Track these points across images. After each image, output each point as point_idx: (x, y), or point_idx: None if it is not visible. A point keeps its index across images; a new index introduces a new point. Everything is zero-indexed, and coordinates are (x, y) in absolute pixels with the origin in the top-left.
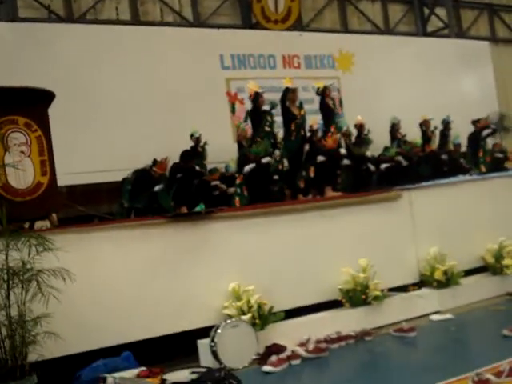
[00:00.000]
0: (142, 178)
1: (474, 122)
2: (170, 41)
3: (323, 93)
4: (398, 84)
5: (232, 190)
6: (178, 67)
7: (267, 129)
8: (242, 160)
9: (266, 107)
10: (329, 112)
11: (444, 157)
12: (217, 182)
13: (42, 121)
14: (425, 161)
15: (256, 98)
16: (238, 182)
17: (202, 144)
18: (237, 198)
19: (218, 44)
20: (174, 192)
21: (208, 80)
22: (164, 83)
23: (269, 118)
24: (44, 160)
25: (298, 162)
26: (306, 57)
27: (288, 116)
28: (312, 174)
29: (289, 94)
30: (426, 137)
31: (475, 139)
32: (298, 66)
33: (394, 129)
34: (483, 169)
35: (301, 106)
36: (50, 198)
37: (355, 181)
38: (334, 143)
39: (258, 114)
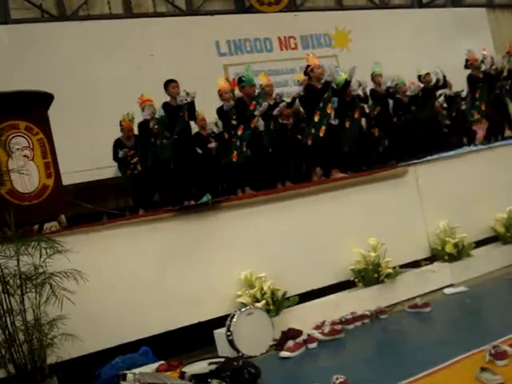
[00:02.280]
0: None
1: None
2: (164, 31)
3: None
4: (396, 58)
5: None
6: (175, 57)
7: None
8: None
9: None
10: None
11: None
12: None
13: (43, 123)
14: None
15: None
16: (239, 133)
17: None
18: (234, 153)
19: (213, 31)
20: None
21: (206, 68)
22: (161, 74)
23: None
24: (48, 162)
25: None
26: (302, 37)
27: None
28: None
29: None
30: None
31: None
32: (295, 46)
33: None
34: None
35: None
36: (56, 199)
37: None
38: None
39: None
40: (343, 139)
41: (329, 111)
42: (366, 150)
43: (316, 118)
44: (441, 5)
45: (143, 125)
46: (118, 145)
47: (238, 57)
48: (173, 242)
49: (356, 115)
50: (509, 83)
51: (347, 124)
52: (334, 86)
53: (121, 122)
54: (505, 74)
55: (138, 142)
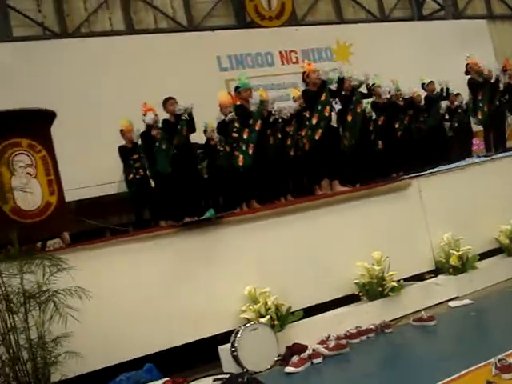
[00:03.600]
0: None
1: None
2: (166, 47)
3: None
4: (397, 70)
5: None
6: (176, 73)
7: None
8: None
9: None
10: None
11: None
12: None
13: (46, 140)
14: None
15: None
16: (244, 136)
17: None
18: (240, 157)
19: (215, 46)
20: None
21: (207, 83)
22: (163, 90)
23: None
24: (51, 179)
25: None
26: (303, 51)
27: None
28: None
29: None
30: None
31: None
32: (296, 60)
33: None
34: (480, 116)
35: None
36: (60, 216)
37: None
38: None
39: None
40: (345, 132)
41: (327, 114)
42: (366, 146)
43: (314, 121)
44: (441, 17)
45: (145, 133)
46: (122, 150)
47: (239, 71)
48: (176, 257)
49: (358, 109)
50: (507, 98)
51: (349, 118)
52: (332, 87)
53: (121, 130)
54: (501, 87)
55: (142, 150)
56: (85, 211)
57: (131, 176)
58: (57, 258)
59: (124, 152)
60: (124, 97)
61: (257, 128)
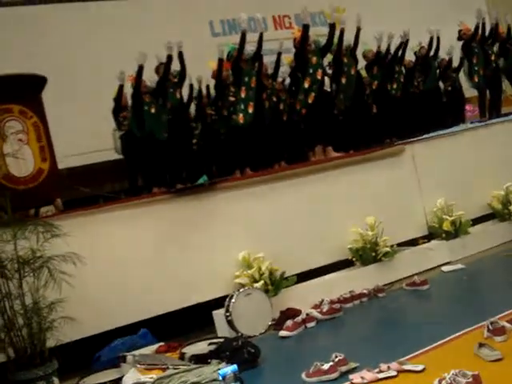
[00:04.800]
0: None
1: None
2: (157, 12)
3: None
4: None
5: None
6: (168, 38)
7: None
8: None
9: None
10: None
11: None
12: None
13: (37, 107)
14: None
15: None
16: (242, 95)
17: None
18: (240, 115)
19: (207, 11)
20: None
21: (200, 48)
22: (156, 56)
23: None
24: (43, 146)
25: None
26: (296, 16)
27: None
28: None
29: None
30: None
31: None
32: (290, 25)
33: None
34: (476, 79)
35: None
36: (52, 183)
37: None
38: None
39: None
40: (339, 95)
41: (319, 77)
42: (360, 110)
43: (306, 85)
44: None
45: (135, 94)
46: (114, 110)
47: (232, 37)
48: (170, 224)
49: (352, 71)
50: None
51: (343, 80)
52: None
53: (114, 98)
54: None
55: (131, 109)
56: (77, 179)
57: (120, 133)
58: (50, 225)
59: (115, 111)
60: (115, 63)
61: (253, 85)
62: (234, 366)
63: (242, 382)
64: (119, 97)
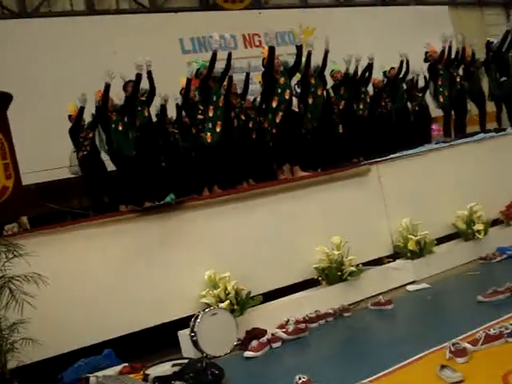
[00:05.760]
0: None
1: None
2: (127, 29)
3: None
4: (361, 52)
5: None
6: (138, 55)
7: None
8: None
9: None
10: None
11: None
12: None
13: (2, 124)
14: None
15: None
16: (210, 114)
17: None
18: (208, 134)
19: (177, 28)
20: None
21: (169, 66)
22: (124, 72)
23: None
24: (7, 163)
25: None
26: (266, 35)
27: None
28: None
29: None
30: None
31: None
32: (260, 44)
33: None
34: (441, 99)
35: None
36: (16, 200)
37: None
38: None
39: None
40: (307, 115)
41: (287, 97)
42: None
43: (274, 104)
44: (404, 3)
45: (98, 113)
46: (71, 131)
47: (202, 54)
48: (136, 242)
49: (319, 92)
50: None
51: (310, 100)
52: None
53: (69, 115)
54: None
55: (93, 123)
56: (45, 194)
57: (80, 154)
58: (13, 244)
59: (73, 132)
60: (84, 79)
61: (220, 104)
62: None
63: None
64: (79, 117)
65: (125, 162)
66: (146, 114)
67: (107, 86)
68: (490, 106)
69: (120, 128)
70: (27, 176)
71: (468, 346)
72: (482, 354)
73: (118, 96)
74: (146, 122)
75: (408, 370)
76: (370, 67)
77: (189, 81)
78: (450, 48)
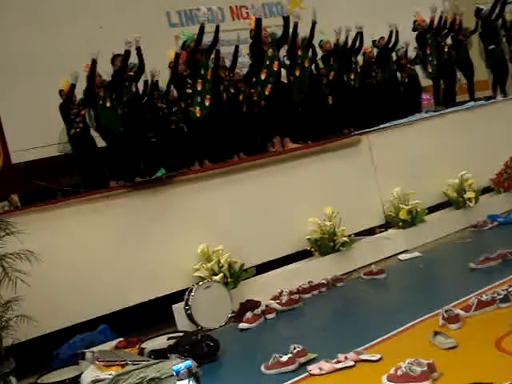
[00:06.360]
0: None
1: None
2: (113, 3)
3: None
4: (349, 23)
5: None
6: (124, 28)
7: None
8: None
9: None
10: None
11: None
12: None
13: None
14: None
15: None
16: (199, 88)
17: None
18: (197, 108)
19: (164, 1)
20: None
21: (156, 39)
22: (109, 46)
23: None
24: None
25: None
26: (253, 7)
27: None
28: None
29: None
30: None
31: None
32: (247, 16)
33: None
34: (430, 69)
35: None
36: (6, 179)
37: None
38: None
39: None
40: (293, 86)
41: (275, 69)
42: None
43: (263, 76)
44: None
45: (88, 90)
46: (62, 107)
47: (189, 27)
48: (128, 218)
49: (306, 64)
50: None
51: (297, 72)
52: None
53: (60, 90)
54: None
55: (83, 104)
56: (35, 172)
57: (72, 131)
58: (5, 222)
59: (64, 108)
60: (70, 54)
61: (209, 77)
62: (188, 362)
63: (196, 377)
64: (71, 93)
65: (114, 138)
66: (134, 89)
67: (94, 62)
68: (478, 75)
69: (108, 104)
70: (16, 154)
71: (461, 312)
72: (475, 320)
73: (106, 72)
74: (134, 97)
75: (401, 338)
76: (360, 37)
77: (177, 55)
78: (441, 18)
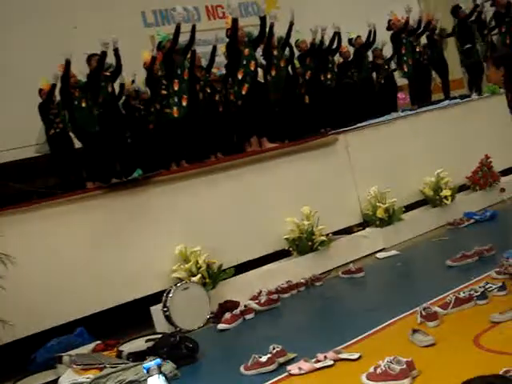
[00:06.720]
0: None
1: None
2: (87, 2)
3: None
4: (325, 24)
5: None
6: (99, 29)
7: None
8: None
9: None
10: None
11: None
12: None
13: None
14: None
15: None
16: (175, 88)
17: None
18: (174, 109)
19: (139, 1)
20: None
21: (131, 39)
22: (86, 48)
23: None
24: None
25: None
26: (229, 7)
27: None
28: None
29: None
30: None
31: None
32: (223, 16)
33: None
34: (405, 68)
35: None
36: None
37: None
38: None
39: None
40: (270, 86)
41: (252, 68)
42: (294, 101)
43: (239, 76)
44: None
45: (63, 90)
46: (41, 107)
47: (165, 27)
48: (105, 219)
49: (282, 64)
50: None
51: (273, 72)
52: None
53: (40, 89)
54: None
55: (61, 106)
56: (9, 174)
57: (52, 131)
58: None
59: (43, 108)
60: (44, 54)
61: (185, 77)
62: (157, 360)
63: (165, 375)
64: (51, 94)
65: (89, 139)
66: (110, 89)
67: (67, 63)
68: (454, 74)
69: (83, 105)
70: None
71: (439, 309)
72: (453, 318)
73: (81, 72)
74: (109, 98)
75: (380, 336)
76: (338, 37)
77: (153, 58)
78: (419, 20)
